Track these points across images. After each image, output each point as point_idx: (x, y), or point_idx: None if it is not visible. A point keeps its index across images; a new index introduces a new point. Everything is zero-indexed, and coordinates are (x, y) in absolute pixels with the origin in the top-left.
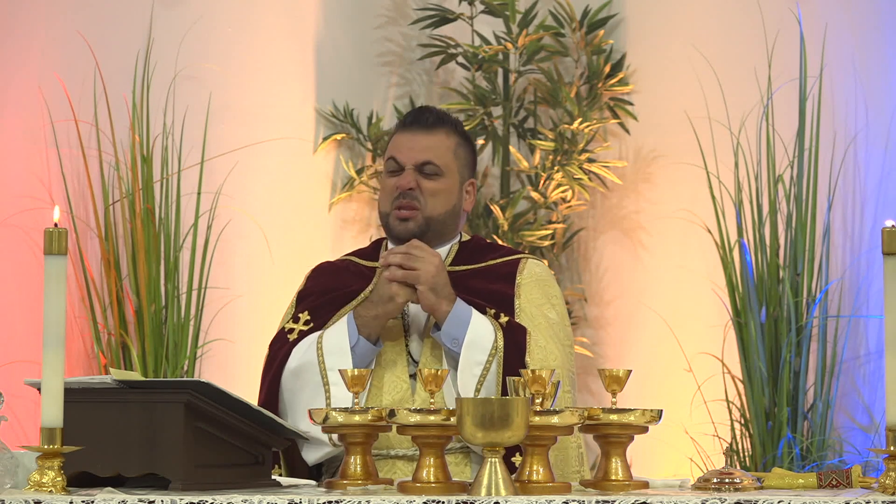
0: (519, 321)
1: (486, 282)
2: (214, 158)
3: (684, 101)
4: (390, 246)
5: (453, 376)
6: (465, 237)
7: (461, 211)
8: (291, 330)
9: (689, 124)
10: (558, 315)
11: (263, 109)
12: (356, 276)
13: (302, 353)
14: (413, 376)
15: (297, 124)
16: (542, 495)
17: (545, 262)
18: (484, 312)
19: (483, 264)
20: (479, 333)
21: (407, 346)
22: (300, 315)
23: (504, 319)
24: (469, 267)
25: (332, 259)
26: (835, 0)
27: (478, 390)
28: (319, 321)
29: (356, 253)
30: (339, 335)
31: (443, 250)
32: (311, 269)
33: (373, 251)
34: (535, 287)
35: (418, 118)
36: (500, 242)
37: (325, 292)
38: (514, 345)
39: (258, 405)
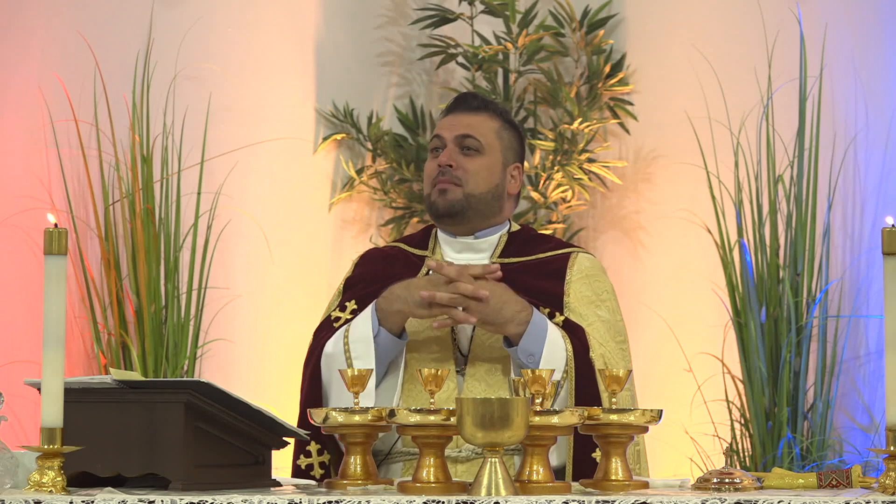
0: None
1: (536, 278)
2: (214, 158)
3: (684, 101)
4: (441, 235)
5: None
6: (515, 227)
7: (505, 193)
8: (338, 318)
9: (689, 124)
10: (609, 311)
11: (263, 109)
12: (405, 265)
13: (334, 342)
14: (460, 372)
15: (297, 124)
16: (542, 495)
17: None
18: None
19: (533, 257)
20: (555, 347)
21: (455, 341)
22: (347, 304)
23: (560, 319)
24: (518, 260)
25: (380, 246)
26: (835, 0)
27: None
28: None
29: (405, 240)
30: (364, 325)
31: (492, 239)
32: (360, 256)
33: (422, 239)
34: (583, 284)
35: (463, 101)
36: (549, 234)
37: (374, 281)
38: (581, 346)
39: (303, 397)
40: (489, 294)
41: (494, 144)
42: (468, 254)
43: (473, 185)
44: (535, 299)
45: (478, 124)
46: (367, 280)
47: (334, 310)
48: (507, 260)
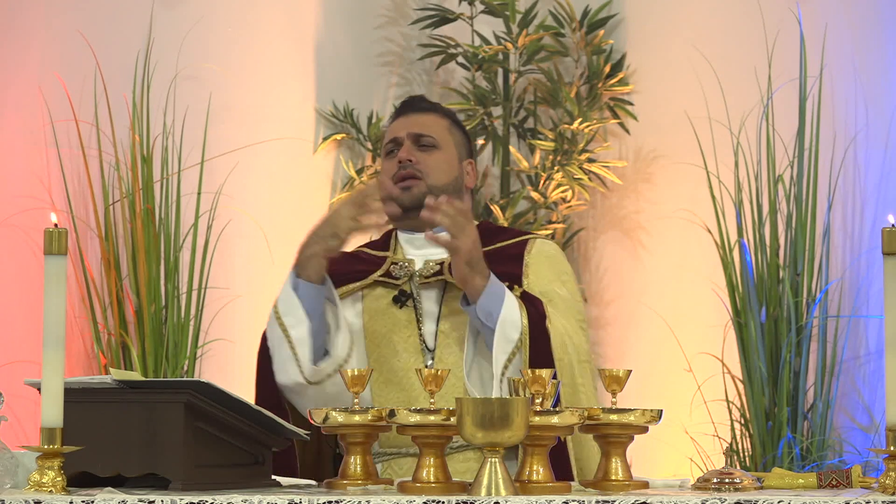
0: None
1: (494, 264)
2: (214, 158)
3: (684, 101)
4: (401, 235)
5: (476, 357)
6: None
7: (464, 187)
8: None
9: (689, 124)
10: (569, 292)
11: (263, 109)
12: (366, 263)
13: (269, 326)
14: (429, 367)
15: (297, 124)
16: (542, 495)
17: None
18: None
19: (491, 247)
20: (511, 310)
21: (421, 335)
22: None
23: (518, 291)
24: None
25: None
26: (835, 0)
27: (506, 367)
28: None
29: (367, 245)
30: (285, 289)
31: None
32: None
33: (383, 242)
34: (543, 264)
35: (411, 104)
36: (508, 227)
37: (334, 276)
38: (537, 315)
39: (256, 392)
40: (467, 226)
41: (448, 139)
42: (428, 248)
43: (435, 177)
44: None
45: (430, 122)
46: (329, 276)
47: None
48: None
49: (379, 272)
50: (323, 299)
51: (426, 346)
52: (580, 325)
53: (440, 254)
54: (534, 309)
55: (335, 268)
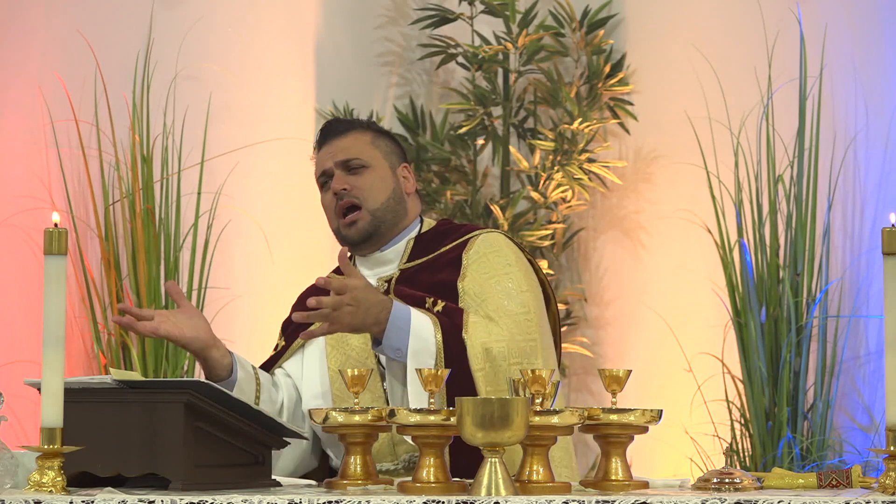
0: (462, 304)
1: (433, 273)
2: (214, 158)
3: (684, 101)
4: (357, 256)
5: (393, 381)
6: (429, 225)
7: (403, 194)
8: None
9: (689, 124)
10: (515, 283)
11: (263, 109)
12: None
13: None
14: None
15: (297, 124)
16: (542, 495)
17: (501, 232)
18: (424, 303)
19: (434, 254)
20: (421, 336)
21: (378, 361)
22: (279, 343)
23: (440, 306)
24: (420, 261)
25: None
26: (835, 0)
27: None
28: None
29: (337, 268)
30: None
31: (398, 247)
32: (297, 298)
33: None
34: (481, 263)
35: (327, 130)
36: (466, 223)
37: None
38: (453, 328)
39: None
40: (352, 302)
41: (375, 154)
42: (378, 268)
43: (373, 199)
44: (431, 293)
45: (351, 144)
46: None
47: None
48: (412, 263)
49: None
50: (232, 389)
51: (382, 367)
52: (524, 317)
53: (389, 271)
54: (449, 321)
55: (302, 306)
